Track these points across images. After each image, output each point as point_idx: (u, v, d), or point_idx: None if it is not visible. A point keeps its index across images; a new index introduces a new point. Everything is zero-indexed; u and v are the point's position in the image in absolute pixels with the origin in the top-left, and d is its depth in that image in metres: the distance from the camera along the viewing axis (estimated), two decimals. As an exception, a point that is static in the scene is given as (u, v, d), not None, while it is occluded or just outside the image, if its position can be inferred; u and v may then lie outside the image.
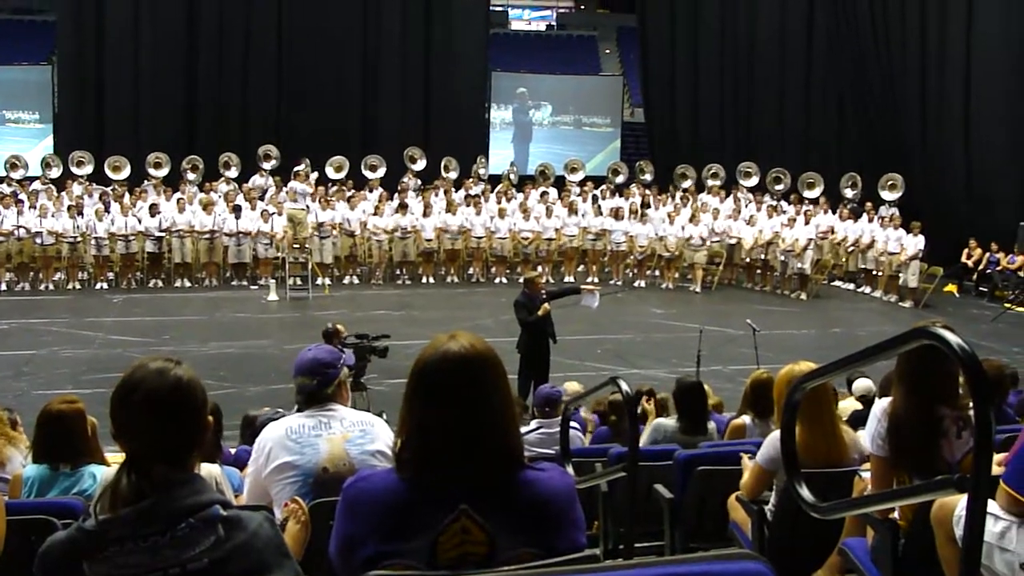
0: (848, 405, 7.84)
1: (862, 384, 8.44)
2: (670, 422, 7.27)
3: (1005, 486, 3.21)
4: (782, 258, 21.31)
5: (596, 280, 21.82)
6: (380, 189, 23.36)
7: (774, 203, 23.30)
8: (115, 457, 4.68)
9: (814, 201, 23.16)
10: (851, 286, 22.46)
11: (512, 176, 26.12)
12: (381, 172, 24.62)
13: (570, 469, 5.79)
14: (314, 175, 23.44)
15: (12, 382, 13.60)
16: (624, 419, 7.03)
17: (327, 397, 4.16)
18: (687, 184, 25.35)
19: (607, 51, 40.08)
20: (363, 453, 3.98)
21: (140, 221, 20.50)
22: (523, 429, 7.69)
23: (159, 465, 2.33)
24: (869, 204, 22.74)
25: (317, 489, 3.87)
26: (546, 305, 12.85)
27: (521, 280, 14.89)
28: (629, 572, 1.97)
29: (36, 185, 22.68)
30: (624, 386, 4.60)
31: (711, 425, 7.34)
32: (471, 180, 24.70)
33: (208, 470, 5.14)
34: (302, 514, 3.57)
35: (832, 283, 22.57)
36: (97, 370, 13.83)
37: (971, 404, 2.33)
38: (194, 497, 2.32)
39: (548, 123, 32.40)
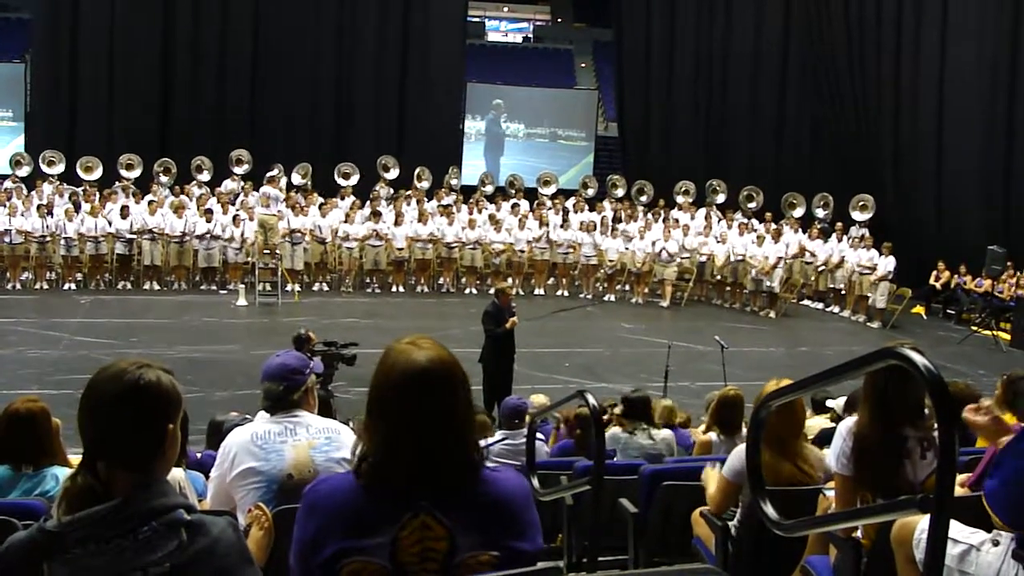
0: (815, 423, 7.89)
1: (829, 403, 8.51)
2: (621, 431, 7.64)
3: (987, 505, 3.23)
4: (754, 276, 21.38)
5: (566, 293, 21.98)
6: (352, 197, 23.33)
7: (745, 220, 23.35)
8: (78, 459, 4.65)
9: (785, 220, 23.30)
10: (820, 305, 22.56)
11: (488, 186, 26.13)
12: (354, 180, 24.61)
13: (535, 481, 5.80)
14: (284, 180, 23.36)
15: (-25, 381, 13.50)
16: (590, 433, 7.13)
17: (293, 403, 4.16)
18: (644, 199, 25.49)
19: (583, 65, 40.23)
20: (328, 460, 3.98)
21: (110, 223, 20.39)
22: (488, 440, 7.70)
23: (120, 468, 2.32)
24: (839, 224, 22.87)
25: (281, 496, 3.87)
26: (514, 319, 12.89)
27: (492, 291, 14.88)
28: (592, 585, 1.97)
29: (7, 184, 22.50)
30: (591, 399, 4.61)
31: (666, 432, 7.77)
32: (443, 190, 24.70)
33: (172, 474, 5.09)
34: (266, 520, 3.56)
35: (801, 302, 22.66)
36: (63, 371, 13.73)
37: (936, 425, 2.34)
38: (158, 500, 2.30)
39: (523, 135, 32.43)
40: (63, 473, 4.78)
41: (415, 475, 2.41)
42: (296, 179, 24.26)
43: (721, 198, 25.15)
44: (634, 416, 7.77)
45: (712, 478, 5.31)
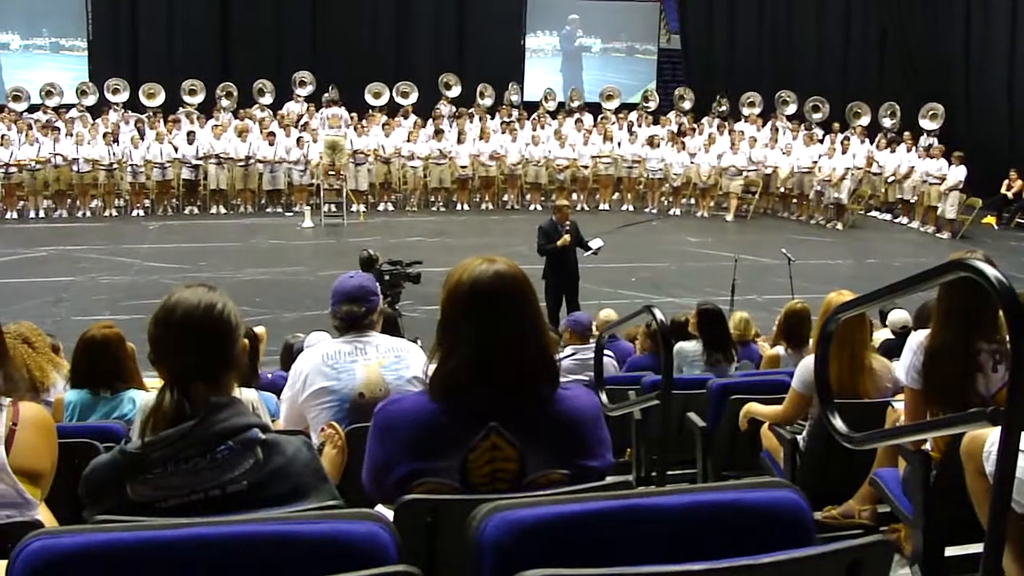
0: (880, 335, 7.79)
1: (896, 315, 8.38)
2: (689, 345, 7.36)
3: None
4: (818, 188, 21.15)
5: (631, 208, 21.87)
6: (414, 116, 23.29)
7: (812, 132, 23.00)
8: (153, 382, 4.74)
9: (851, 129, 22.91)
10: (888, 217, 22.27)
11: (550, 103, 25.91)
12: (413, 98, 24.52)
13: (603, 396, 5.82)
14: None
15: (51, 308, 13.77)
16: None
17: (370, 324, 4.21)
18: (722, 110, 25.11)
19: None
20: (398, 379, 4.02)
21: (176, 148, 20.56)
22: (558, 356, 7.70)
23: (198, 387, 2.37)
24: (908, 134, 22.46)
25: (353, 414, 3.92)
26: (566, 237, 12.85)
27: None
28: (661, 499, 1.99)
29: (72, 112, 22.70)
30: (658, 314, 4.60)
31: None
32: (505, 107, 24.58)
33: (246, 395, 5.16)
34: (339, 439, 3.61)
35: (869, 213, 22.37)
36: (135, 296, 13.95)
37: (1008, 338, 2.31)
38: (234, 420, 2.35)
39: (599, 50, 31.76)
40: (139, 396, 4.88)
41: (498, 394, 2.42)
42: (369, 99, 24.27)
43: (792, 108, 24.77)
44: (710, 337, 7.35)
45: (753, 412, 5.34)
